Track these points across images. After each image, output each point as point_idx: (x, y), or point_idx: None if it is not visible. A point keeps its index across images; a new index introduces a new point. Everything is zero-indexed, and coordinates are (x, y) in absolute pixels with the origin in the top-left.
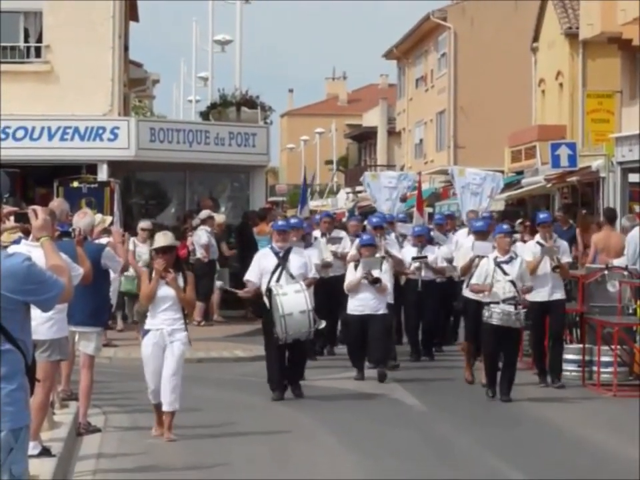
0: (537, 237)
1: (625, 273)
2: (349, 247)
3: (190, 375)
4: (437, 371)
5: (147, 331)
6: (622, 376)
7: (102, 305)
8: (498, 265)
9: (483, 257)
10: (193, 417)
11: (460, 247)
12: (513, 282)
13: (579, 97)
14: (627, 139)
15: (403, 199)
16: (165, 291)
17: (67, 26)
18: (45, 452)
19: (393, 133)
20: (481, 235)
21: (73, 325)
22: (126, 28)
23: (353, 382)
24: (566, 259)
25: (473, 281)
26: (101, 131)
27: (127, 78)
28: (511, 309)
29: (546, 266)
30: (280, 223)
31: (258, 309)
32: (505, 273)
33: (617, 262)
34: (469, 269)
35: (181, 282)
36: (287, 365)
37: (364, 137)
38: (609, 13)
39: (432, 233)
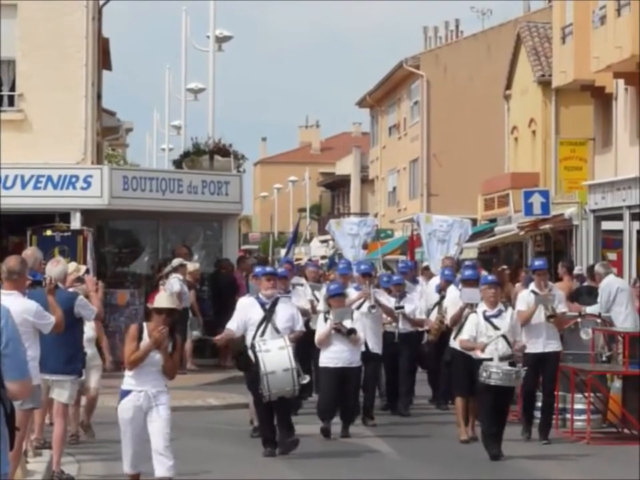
0: (532, 285)
1: (598, 320)
2: (309, 294)
3: None
4: (411, 421)
5: (127, 392)
6: (595, 423)
7: (76, 353)
8: (487, 319)
9: (472, 305)
10: None
11: (426, 295)
12: (505, 337)
13: (552, 144)
14: (599, 186)
15: (365, 246)
16: (154, 356)
17: (40, 74)
18: None
19: (366, 181)
20: (469, 283)
21: (46, 373)
22: (99, 76)
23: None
24: (562, 308)
25: (464, 336)
26: (74, 180)
27: (100, 126)
28: (510, 367)
29: (540, 316)
30: (268, 268)
31: (242, 363)
32: (496, 328)
33: (589, 310)
34: (459, 319)
35: (169, 347)
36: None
37: (337, 185)
38: (582, 60)
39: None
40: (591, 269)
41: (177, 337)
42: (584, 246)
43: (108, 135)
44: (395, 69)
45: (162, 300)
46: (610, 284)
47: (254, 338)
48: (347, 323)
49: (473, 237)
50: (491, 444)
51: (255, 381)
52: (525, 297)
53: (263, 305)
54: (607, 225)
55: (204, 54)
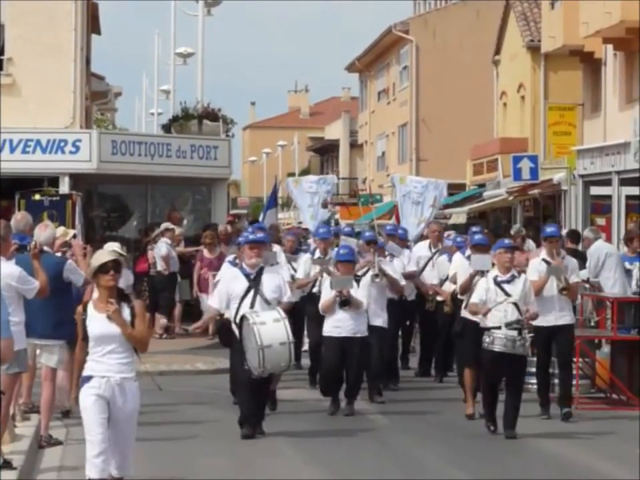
0: (543, 254)
1: (587, 285)
2: (282, 262)
3: (151, 388)
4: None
5: (88, 378)
6: (584, 388)
7: (65, 318)
8: (498, 284)
9: (483, 272)
10: (155, 430)
11: (418, 259)
12: (515, 304)
13: (541, 109)
14: (588, 151)
15: (324, 205)
16: (108, 327)
17: (29, 39)
18: (6, 464)
19: (355, 146)
20: (479, 248)
21: (35, 338)
22: (88, 41)
23: (315, 394)
24: (574, 278)
25: (473, 300)
26: (62, 144)
27: (89, 91)
28: (515, 333)
29: (552, 286)
30: (252, 236)
31: (227, 338)
32: (507, 294)
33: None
34: (468, 287)
35: (127, 315)
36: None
37: (326, 150)
38: (571, 25)
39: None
40: (571, 233)
41: (135, 303)
42: (573, 211)
43: (97, 99)
44: (384, 34)
45: (102, 256)
46: (599, 249)
47: (238, 310)
48: (352, 292)
49: (462, 202)
50: (490, 419)
51: (238, 356)
52: (536, 266)
53: (247, 275)
54: (595, 190)
55: (193, 18)
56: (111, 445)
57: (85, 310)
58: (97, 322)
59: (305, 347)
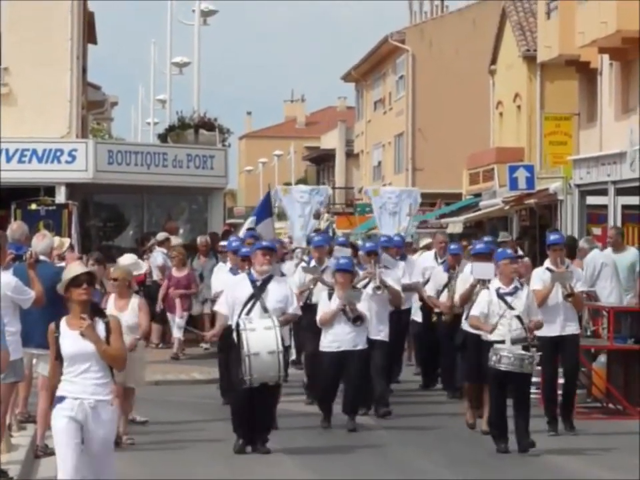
0: (547, 262)
1: (583, 295)
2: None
3: (147, 397)
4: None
5: (62, 399)
6: (580, 398)
7: None
8: (501, 297)
9: (485, 281)
10: (151, 440)
11: (424, 271)
12: (519, 317)
13: (537, 119)
14: (584, 161)
15: (317, 216)
16: (82, 345)
17: (25, 48)
18: (2, 474)
19: (351, 155)
20: (481, 257)
21: (33, 347)
22: (84, 50)
23: (313, 408)
24: (580, 287)
25: (474, 312)
26: (59, 153)
27: (85, 100)
28: (522, 351)
29: (557, 295)
30: (265, 242)
31: (224, 344)
32: (510, 307)
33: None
34: (469, 297)
35: (101, 331)
36: (253, 411)
37: (322, 159)
38: (567, 35)
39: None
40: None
41: (110, 318)
42: (569, 221)
43: (93, 108)
44: (380, 44)
45: (74, 269)
46: (594, 259)
47: (239, 318)
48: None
49: (458, 212)
50: (499, 437)
51: (235, 365)
52: (540, 275)
53: (253, 281)
54: (591, 200)
55: (189, 28)
56: (85, 471)
57: (57, 327)
58: (69, 339)
59: (293, 357)
